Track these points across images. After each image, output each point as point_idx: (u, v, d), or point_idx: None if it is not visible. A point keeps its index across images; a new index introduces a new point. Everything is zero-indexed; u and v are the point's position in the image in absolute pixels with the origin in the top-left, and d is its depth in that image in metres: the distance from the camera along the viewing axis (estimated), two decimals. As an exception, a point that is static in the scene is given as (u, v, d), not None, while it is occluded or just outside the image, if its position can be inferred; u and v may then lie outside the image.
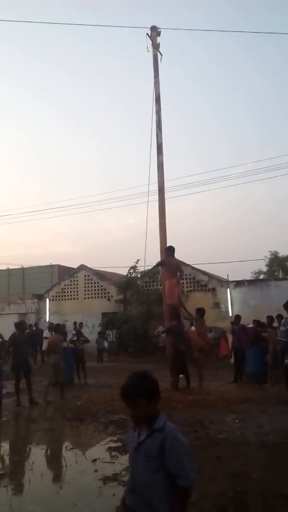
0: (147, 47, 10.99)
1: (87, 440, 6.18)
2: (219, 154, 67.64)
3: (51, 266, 30.04)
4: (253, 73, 68.48)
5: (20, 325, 9.57)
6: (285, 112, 68.64)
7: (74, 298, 22.86)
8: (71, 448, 5.46)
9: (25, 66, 68.75)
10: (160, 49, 11.07)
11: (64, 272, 27.55)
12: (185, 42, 70.23)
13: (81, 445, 5.83)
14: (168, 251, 9.93)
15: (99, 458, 4.96)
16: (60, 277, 26.62)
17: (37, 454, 5.24)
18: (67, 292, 23.14)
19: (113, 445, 5.47)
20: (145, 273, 20.62)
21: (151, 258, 18.93)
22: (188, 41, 71.92)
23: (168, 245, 10.06)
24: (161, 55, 11.09)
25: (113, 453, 5.12)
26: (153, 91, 10.77)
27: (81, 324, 15.63)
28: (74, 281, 23.16)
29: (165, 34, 11.32)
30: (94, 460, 4.90)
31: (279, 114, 68.32)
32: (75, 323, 16.47)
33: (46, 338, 16.11)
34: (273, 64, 68.86)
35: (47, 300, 23.29)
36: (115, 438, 5.77)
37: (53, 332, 11.17)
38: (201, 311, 10.28)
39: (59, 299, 23.24)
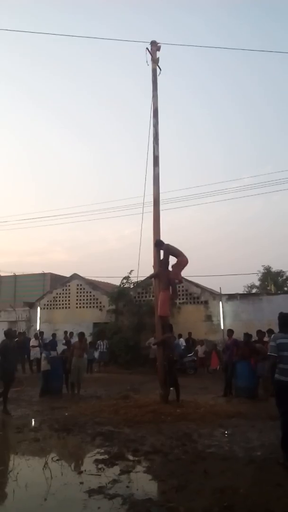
0: (147, 61, 11.14)
1: (74, 452, 6.10)
2: (216, 168, 68.44)
3: (44, 274, 29.96)
4: (253, 88, 69.65)
5: (9, 333, 9.48)
6: (283, 128, 69.65)
7: (66, 307, 22.73)
8: (57, 459, 5.37)
9: (24, 75, 69.44)
10: (159, 63, 11.24)
11: (56, 281, 27.49)
12: (185, 56, 71.38)
13: (68, 457, 5.75)
14: (162, 264, 9.94)
15: (85, 470, 4.90)
16: (53, 285, 26.54)
17: (22, 465, 5.15)
18: (59, 300, 23.01)
19: (100, 457, 5.39)
20: (138, 284, 20.59)
21: (145, 269, 18.95)
22: (187, 55, 73.13)
23: (162, 257, 10.06)
24: (160, 70, 11.25)
25: (100, 466, 5.05)
26: (151, 105, 10.88)
27: (71, 333, 15.50)
28: (66, 290, 23.05)
29: (165, 47, 11.50)
30: (80, 472, 4.83)
31: (277, 130, 69.29)
32: (65, 332, 16.35)
33: (34, 346, 16.01)
34: (273, 80, 70.05)
35: (38, 308, 23.12)
36: (102, 450, 5.70)
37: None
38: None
39: (50, 308, 23.09)
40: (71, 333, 15.51)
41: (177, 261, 9.85)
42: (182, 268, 9.99)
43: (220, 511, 3.61)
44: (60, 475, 4.76)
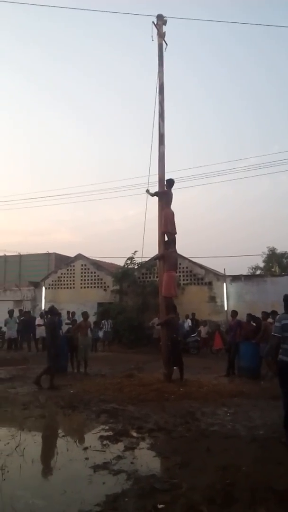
0: (152, 36, 10.82)
1: (79, 428, 6.21)
2: (220, 148, 67.42)
3: (48, 254, 30.02)
4: (256, 68, 67.94)
5: (52, 311, 9.92)
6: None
7: (70, 287, 22.87)
8: (63, 436, 5.49)
9: (23, 55, 67.98)
10: (165, 38, 10.92)
11: (61, 261, 27.56)
12: (189, 36, 69.48)
13: (73, 433, 5.86)
14: (167, 245, 9.92)
15: (90, 446, 4.99)
16: (57, 265, 26.63)
17: (28, 441, 5.25)
18: (64, 280, 23.13)
19: (105, 434, 5.49)
20: (142, 265, 20.62)
21: (149, 250, 18.91)
22: (191, 36, 71.20)
23: (166, 238, 10.03)
24: (166, 45, 10.94)
25: (105, 442, 5.14)
26: (157, 81, 10.63)
27: (73, 313, 15.62)
28: (70, 270, 23.14)
29: (169, 26, 11.14)
30: (85, 448, 4.92)
31: (283, 110, 67.87)
32: (68, 312, 16.48)
33: (39, 325, 16.18)
34: (276, 60, 68.22)
35: (43, 288, 23.28)
36: (107, 427, 5.80)
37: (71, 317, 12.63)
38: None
39: (55, 288, 23.23)
40: (73, 313, 15.63)
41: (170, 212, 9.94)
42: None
43: (223, 488, 3.66)
44: (66, 451, 4.86)
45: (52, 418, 6.46)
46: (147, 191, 10.21)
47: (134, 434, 5.49)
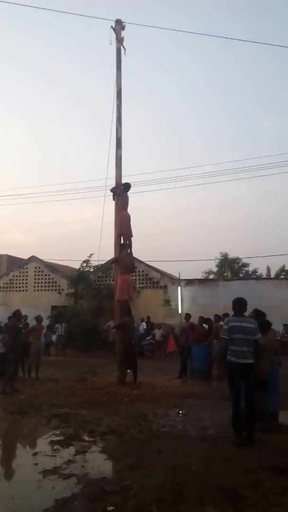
0: (110, 40, 10.90)
1: (29, 434, 6.07)
2: (184, 153, 68.49)
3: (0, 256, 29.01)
4: (230, 69, 69.95)
5: (17, 314, 9.66)
6: (236, 118, 70.77)
7: (23, 290, 22.29)
8: (12, 442, 5.33)
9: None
10: (124, 43, 11.01)
11: (13, 263, 26.72)
12: (160, 35, 70.28)
13: (23, 439, 5.71)
14: (122, 247, 9.96)
15: (40, 452, 4.89)
16: (9, 267, 25.79)
17: (-25, 448, 5.06)
18: (16, 283, 22.51)
19: (56, 438, 5.40)
20: (98, 268, 20.52)
21: (105, 252, 18.86)
22: (163, 34, 72.07)
23: (122, 241, 10.07)
24: (125, 49, 11.04)
25: (55, 447, 5.06)
26: (115, 85, 10.68)
27: (25, 316, 15.20)
28: (23, 272, 22.57)
29: (131, 28, 11.27)
30: (35, 454, 4.81)
31: (232, 121, 70.31)
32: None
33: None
34: (248, 56, 70.66)
35: (-6, 290, 22.50)
36: (58, 432, 5.70)
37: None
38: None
39: (7, 290, 22.54)
40: (25, 316, 15.21)
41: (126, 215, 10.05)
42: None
43: (173, 487, 3.72)
44: (15, 457, 4.73)
45: (0, 424, 6.25)
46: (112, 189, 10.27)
47: (86, 438, 5.44)
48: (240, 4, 69.46)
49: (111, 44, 10.90)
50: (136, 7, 70.68)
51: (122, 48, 10.94)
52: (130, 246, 10.15)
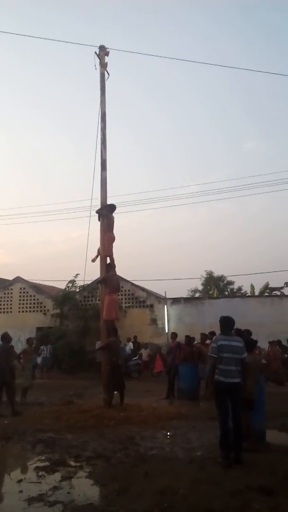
0: (95, 65, 11.18)
1: (13, 460, 5.92)
2: (170, 173, 69.40)
3: (-16, 276, 28.64)
4: (216, 90, 71.73)
5: (5, 337, 9.48)
6: (221, 138, 72.42)
7: (8, 311, 21.96)
8: (-5, 469, 5.19)
9: None
10: (108, 68, 11.30)
11: (-3, 284, 26.41)
12: (140, 57, 71.96)
13: (6, 465, 5.57)
14: (108, 267, 9.99)
15: (25, 478, 4.77)
16: (-7, 288, 25.48)
17: None
18: (0, 304, 22.18)
19: (41, 464, 5.27)
20: (84, 288, 20.41)
21: (91, 272, 18.76)
22: (142, 56, 73.80)
23: (108, 261, 10.11)
24: (108, 74, 11.32)
25: (40, 473, 4.94)
26: (99, 109, 10.91)
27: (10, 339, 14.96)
28: (8, 293, 22.28)
29: (115, 50, 11.59)
30: (20, 481, 4.69)
31: (219, 140, 71.91)
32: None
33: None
34: (234, 78, 72.66)
35: (-22, 312, 22.10)
36: (43, 458, 5.58)
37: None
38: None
39: (-10, 312, 22.16)
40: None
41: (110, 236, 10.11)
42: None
43: (161, 511, 3.67)
44: (-1, 484, 4.61)
45: (-16, 451, 6.08)
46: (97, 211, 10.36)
47: (72, 463, 5.34)
48: (230, 22, 71.99)
49: (95, 69, 11.19)
50: (125, 28, 72.59)
51: (106, 73, 11.22)
52: (114, 267, 10.19)
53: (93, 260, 10.24)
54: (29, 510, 3.86)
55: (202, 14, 72.17)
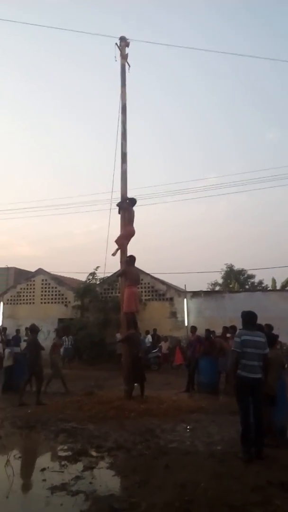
0: (115, 57, 11.11)
1: (37, 449, 6.06)
2: (186, 166, 68.95)
3: (7, 268, 29.22)
4: (230, 82, 70.68)
5: (34, 329, 9.88)
6: (237, 131, 71.20)
7: (30, 303, 22.36)
8: (19, 457, 5.32)
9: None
10: (128, 59, 11.22)
11: (20, 275, 26.90)
12: (163, 50, 71.37)
13: (30, 454, 5.71)
14: (129, 261, 10.00)
15: (48, 467, 4.88)
16: (16, 280, 25.96)
17: (-17, 463, 5.06)
18: (23, 296, 22.60)
19: (63, 454, 5.39)
20: (104, 280, 20.56)
21: (111, 265, 18.91)
22: (166, 50, 73.19)
23: (129, 254, 10.12)
24: (129, 66, 11.25)
25: (63, 462, 5.05)
26: (120, 101, 10.86)
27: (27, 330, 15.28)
28: (30, 285, 22.67)
29: (136, 42, 11.49)
30: (43, 469, 4.81)
31: (234, 132, 70.74)
32: (26, 328, 16.11)
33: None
34: (249, 71, 71.39)
35: (1, 303, 22.61)
36: (65, 447, 5.70)
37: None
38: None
39: (14, 303, 22.63)
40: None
41: (128, 230, 10.13)
42: (129, 238, 10.23)
43: (181, 505, 3.70)
44: (22, 472, 4.73)
45: (8, 439, 6.24)
46: (118, 204, 10.37)
47: (93, 453, 5.43)
48: (243, 16, 70.45)
49: (116, 60, 11.13)
50: (143, 21, 71.92)
51: (126, 64, 11.15)
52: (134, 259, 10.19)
53: (113, 254, 10.28)
54: (52, 498, 3.95)
55: (219, 6, 70.73)
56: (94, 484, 4.34)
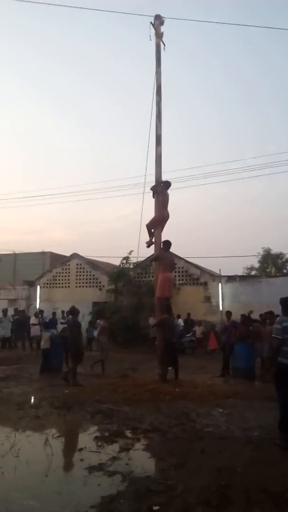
0: (150, 36, 10.82)
1: (74, 429, 6.20)
2: (218, 148, 67.48)
3: (43, 253, 29.92)
4: (254, 69, 68.15)
5: (74, 311, 10.10)
6: (285, 109, 68.48)
7: (65, 286, 22.81)
8: (58, 437, 5.47)
9: (18, 52, 67.68)
10: (163, 39, 10.90)
11: (56, 260, 27.47)
12: (187, 36, 69.60)
13: (68, 434, 5.85)
14: (164, 246, 9.89)
15: (85, 447, 4.98)
16: (52, 264, 26.53)
17: (23, 441, 5.24)
18: (59, 279, 23.07)
19: (100, 434, 5.49)
20: (137, 265, 20.61)
21: (145, 249, 18.89)
22: (189, 36, 71.31)
23: (163, 239, 10.01)
24: (164, 45, 10.92)
25: (99, 443, 5.14)
26: (154, 82, 10.61)
27: (68, 312, 15.62)
28: (66, 269, 23.09)
29: (167, 26, 11.10)
30: (81, 449, 4.91)
31: (279, 111, 68.14)
32: (62, 312, 16.47)
33: (34, 325, 16.12)
34: (274, 61, 68.45)
35: (38, 287, 23.21)
36: (102, 428, 5.79)
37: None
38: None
39: (50, 287, 23.17)
40: (68, 312, 15.66)
41: (162, 214, 9.96)
42: (164, 222, 10.07)
43: (218, 489, 3.67)
44: (61, 452, 4.85)
45: (46, 419, 6.43)
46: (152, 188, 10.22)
47: (129, 435, 5.49)
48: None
49: (150, 40, 10.84)
50: (174, 5, 70.01)
51: (161, 43, 10.85)
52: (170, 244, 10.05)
53: (148, 245, 10.20)
54: (89, 478, 4.02)
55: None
56: (130, 465, 4.38)
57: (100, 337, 11.72)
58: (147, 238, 10.19)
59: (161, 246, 9.89)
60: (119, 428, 5.74)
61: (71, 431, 6.09)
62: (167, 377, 9.26)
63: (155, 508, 3.34)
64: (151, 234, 10.08)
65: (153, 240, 10.07)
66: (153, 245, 10.10)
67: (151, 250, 10.50)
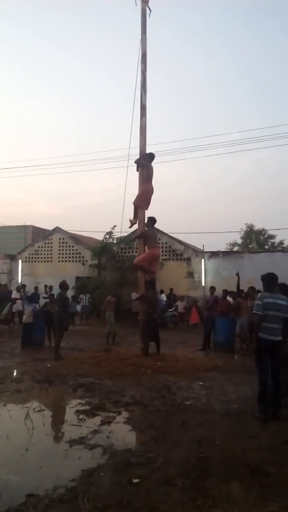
0: (136, 1, 10.36)
1: (55, 403, 6.21)
2: (206, 121, 66.53)
3: (25, 226, 29.46)
4: (248, 40, 66.70)
5: (63, 285, 9.80)
6: (275, 82, 67.62)
7: (48, 261, 22.60)
8: (39, 410, 5.46)
9: None
10: (149, 4, 10.44)
11: (38, 234, 27.11)
12: (176, 4, 67.25)
13: (49, 408, 5.85)
14: (149, 222, 9.75)
15: (66, 421, 4.99)
16: (34, 238, 26.19)
17: (4, 415, 5.21)
18: (41, 254, 22.81)
19: (81, 408, 5.50)
20: (121, 240, 20.49)
21: (129, 224, 18.72)
22: (179, 3, 68.88)
23: (148, 214, 9.88)
24: (150, 10, 10.48)
25: (81, 416, 5.15)
26: (139, 49, 10.22)
27: (51, 287, 15.52)
28: (48, 243, 22.81)
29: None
30: (62, 423, 4.92)
31: (268, 85, 67.28)
32: (45, 286, 16.36)
33: (16, 299, 15.97)
34: (268, 32, 67.03)
35: (20, 261, 22.92)
36: (83, 401, 5.81)
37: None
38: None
39: (32, 261, 22.91)
40: (51, 287, 15.54)
41: (146, 188, 9.76)
42: (149, 196, 9.90)
43: (197, 461, 3.73)
44: (42, 425, 4.85)
45: (28, 393, 6.41)
46: (136, 161, 9.96)
47: (111, 408, 5.52)
48: None
49: (136, 5, 10.38)
50: None
51: (147, 9, 10.39)
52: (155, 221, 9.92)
53: (131, 226, 10.06)
54: (70, 451, 4.03)
55: None
56: (111, 438, 4.41)
57: (105, 312, 11.89)
58: (131, 214, 10.03)
59: (145, 223, 9.76)
60: (100, 402, 5.77)
61: (52, 405, 6.09)
62: (149, 351, 9.34)
63: (135, 480, 3.36)
64: (136, 214, 9.88)
65: (136, 220, 9.91)
66: (137, 223, 9.97)
67: (135, 226, 10.37)
